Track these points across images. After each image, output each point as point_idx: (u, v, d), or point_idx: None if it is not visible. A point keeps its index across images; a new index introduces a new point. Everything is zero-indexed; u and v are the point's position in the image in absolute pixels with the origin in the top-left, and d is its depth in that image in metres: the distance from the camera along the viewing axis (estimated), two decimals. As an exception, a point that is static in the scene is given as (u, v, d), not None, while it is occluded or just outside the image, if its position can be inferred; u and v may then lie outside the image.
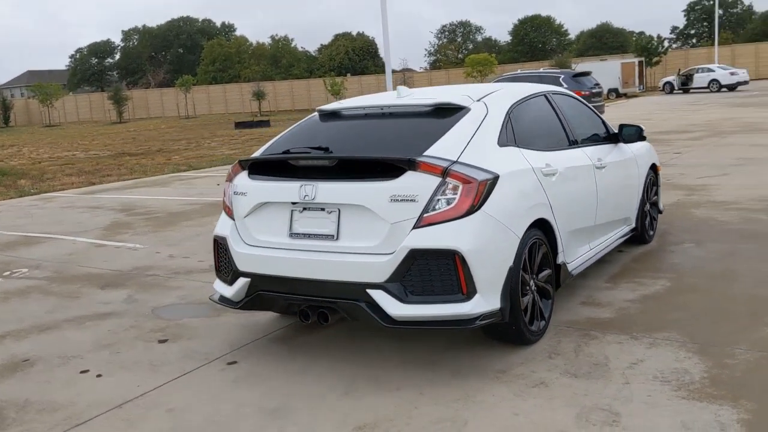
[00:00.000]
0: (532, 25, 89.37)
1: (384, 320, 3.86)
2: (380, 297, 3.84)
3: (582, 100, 6.09)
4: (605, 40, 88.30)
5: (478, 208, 3.86)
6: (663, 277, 5.61)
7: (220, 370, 4.35)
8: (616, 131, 6.09)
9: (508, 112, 4.60)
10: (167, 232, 8.98)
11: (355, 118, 4.79)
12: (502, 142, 4.38)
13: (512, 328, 4.10)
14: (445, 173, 3.85)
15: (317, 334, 4.84)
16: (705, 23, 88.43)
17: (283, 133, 4.95)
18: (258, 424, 3.60)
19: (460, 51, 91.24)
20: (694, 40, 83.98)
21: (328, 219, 4.08)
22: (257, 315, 5.30)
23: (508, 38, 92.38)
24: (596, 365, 3.98)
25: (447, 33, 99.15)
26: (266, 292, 4.26)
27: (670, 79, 43.89)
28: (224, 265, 4.56)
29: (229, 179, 4.66)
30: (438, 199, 3.84)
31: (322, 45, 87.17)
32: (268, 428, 3.54)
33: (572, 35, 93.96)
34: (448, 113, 4.42)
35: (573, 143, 5.25)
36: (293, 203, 4.20)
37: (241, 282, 4.34)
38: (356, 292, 3.92)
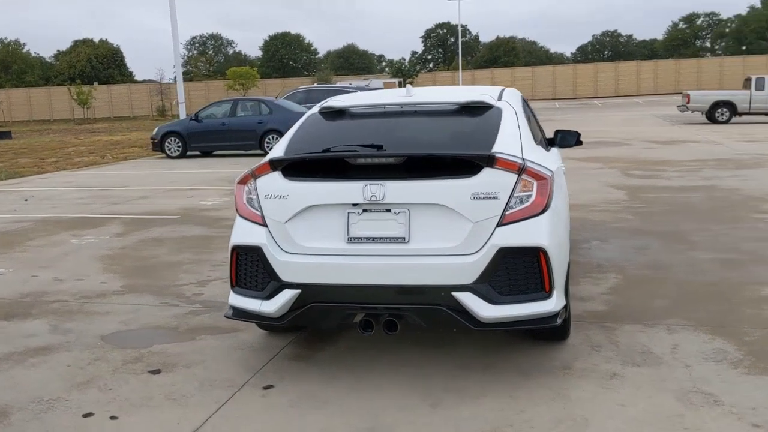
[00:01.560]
0: (282, 42, 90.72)
1: (472, 323, 3.73)
2: (468, 299, 3.71)
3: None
4: (352, 61, 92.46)
5: (549, 204, 3.90)
6: (608, 271, 6.07)
7: (262, 396, 3.89)
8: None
9: (524, 111, 4.70)
10: (20, 253, 7.73)
11: (377, 116, 4.56)
12: (533, 140, 4.47)
13: (563, 325, 4.18)
14: (521, 170, 3.83)
15: (331, 349, 4.52)
16: (440, 49, 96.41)
17: (290, 134, 4.54)
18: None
19: (212, 64, 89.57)
20: (431, 65, 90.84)
21: (395, 220, 3.85)
22: (242, 333, 4.82)
23: (259, 53, 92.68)
24: (643, 353, 4.21)
25: (197, 45, 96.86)
26: (322, 303, 3.89)
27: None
28: (255, 277, 4.07)
29: (244, 182, 4.19)
30: (516, 197, 3.81)
31: (59, 51, 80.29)
32: (391, 449, 3.26)
33: (321, 54, 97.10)
34: (479, 112, 4.40)
35: (543, 145, 5.49)
36: (354, 205, 3.88)
37: (288, 295, 3.91)
38: (438, 296, 3.74)
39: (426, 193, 3.81)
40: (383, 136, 4.25)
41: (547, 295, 3.81)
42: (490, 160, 3.81)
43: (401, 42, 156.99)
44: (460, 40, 58.68)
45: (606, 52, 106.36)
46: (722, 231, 7.46)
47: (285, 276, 3.92)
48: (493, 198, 3.77)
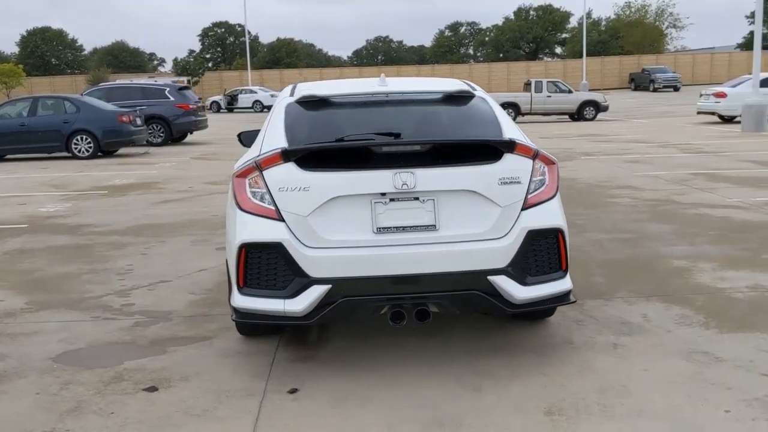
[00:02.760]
0: (42, 38, 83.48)
1: (507, 306, 3.83)
2: (504, 282, 3.79)
3: None
4: (122, 58, 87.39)
5: (558, 188, 4.11)
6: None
7: (293, 400, 3.69)
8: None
9: None
10: None
11: (368, 105, 4.45)
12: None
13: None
14: (535, 155, 4.00)
15: (328, 347, 4.38)
16: (219, 49, 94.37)
17: (277, 125, 4.29)
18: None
19: (-41, 60, 79.82)
20: (210, 64, 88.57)
21: (423, 209, 3.82)
22: (215, 341, 4.51)
23: (15, 49, 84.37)
24: (624, 324, 4.56)
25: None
26: (354, 297, 3.75)
27: (217, 98, 45.87)
28: (273, 276, 3.81)
29: (245, 176, 3.91)
30: (534, 181, 3.97)
31: None
32: (476, 434, 3.26)
33: (86, 51, 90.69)
34: (465, 101, 4.50)
35: None
36: (382, 194, 3.79)
37: (317, 291, 3.72)
38: (473, 281, 3.78)
39: (455, 179, 3.84)
40: (387, 124, 4.20)
41: (564, 273, 4.02)
42: (511, 146, 3.93)
43: (175, 40, 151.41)
44: (247, 39, 57.88)
45: (379, 57, 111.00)
46: (594, 214, 8.23)
47: (313, 272, 3.74)
48: (517, 182, 3.90)
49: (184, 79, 46.23)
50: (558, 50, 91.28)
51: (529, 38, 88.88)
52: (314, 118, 4.35)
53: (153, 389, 3.85)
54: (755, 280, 5.41)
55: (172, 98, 20.77)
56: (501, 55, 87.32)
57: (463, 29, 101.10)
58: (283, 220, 3.81)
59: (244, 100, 44.75)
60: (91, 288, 5.83)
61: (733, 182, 10.41)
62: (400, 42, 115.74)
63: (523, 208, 3.90)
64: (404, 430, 3.32)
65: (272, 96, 44.64)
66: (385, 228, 3.79)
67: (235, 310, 3.94)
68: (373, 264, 3.74)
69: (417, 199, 3.82)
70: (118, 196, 11.00)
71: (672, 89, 51.50)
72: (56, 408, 3.64)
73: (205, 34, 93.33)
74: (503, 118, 4.35)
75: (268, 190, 3.86)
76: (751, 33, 75.21)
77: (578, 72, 54.14)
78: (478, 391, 3.71)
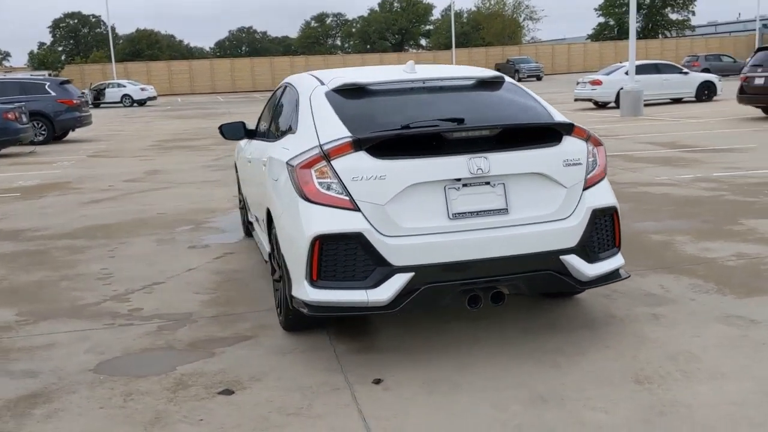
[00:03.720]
0: None
1: (577, 284, 3.96)
2: (575, 261, 3.92)
3: None
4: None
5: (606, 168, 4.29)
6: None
7: (384, 389, 3.63)
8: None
9: None
10: None
11: (411, 92, 4.41)
12: None
13: None
14: (588, 137, 4.14)
15: (378, 335, 4.34)
16: (71, 41, 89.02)
17: (326, 114, 4.16)
18: (547, 411, 3.35)
19: None
20: (63, 57, 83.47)
21: (494, 193, 3.87)
22: (261, 338, 4.36)
23: None
24: (649, 295, 4.82)
25: None
26: (436, 283, 3.75)
27: (83, 92, 43.26)
28: (353, 266, 3.73)
29: (309, 166, 3.80)
30: (589, 162, 4.11)
31: None
32: (569, 408, 3.36)
33: None
34: (498, 86, 4.58)
35: None
36: (456, 180, 3.80)
37: (401, 280, 3.69)
38: (547, 261, 3.88)
39: (524, 162, 3.91)
40: (440, 110, 4.20)
41: (618, 250, 4.21)
42: (570, 128, 4.05)
43: (22, 32, 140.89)
44: (110, 30, 54.96)
45: (243, 48, 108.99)
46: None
47: (395, 260, 3.70)
48: (578, 164, 4.03)
49: (45, 73, 43.30)
50: (423, 42, 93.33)
51: (395, 30, 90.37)
52: (365, 105, 4.27)
53: (228, 392, 3.67)
54: (736, 249, 5.86)
55: (53, 93, 19.49)
56: (368, 46, 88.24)
57: (329, 20, 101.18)
58: (359, 210, 3.74)
59: (111, 94, 42.62)
60: (79, 295, 5.43)
61: (649, 162, 11.15)
62: (264, 33, 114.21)
63: (585, 188, 4.04)
64: (514, 409, 3.37)
65: (143, 90, 42.83)
66: (460, 213, 3.81)
67: (307, 305, 3.83)
68: (452, 249, 3.75)
69: (488, 183, 3.86)
70: (36, 198, 10.23)
71: (535, 78, 54.04)
72: (135, 420, 3.40)
73: (56, 26, 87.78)
74: (542, 101, 4.47)
75: (340, 180, 3.77)
76: (600, 24, 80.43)
77: (448, 63, 55.65)
78: (557, 367, 3.81)
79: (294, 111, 4.64)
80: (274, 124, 5.33)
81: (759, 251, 5.77)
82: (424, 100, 4.37)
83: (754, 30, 63.86)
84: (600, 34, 78.74)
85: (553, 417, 3.28)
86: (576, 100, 25.80)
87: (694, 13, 76.85)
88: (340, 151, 3.80)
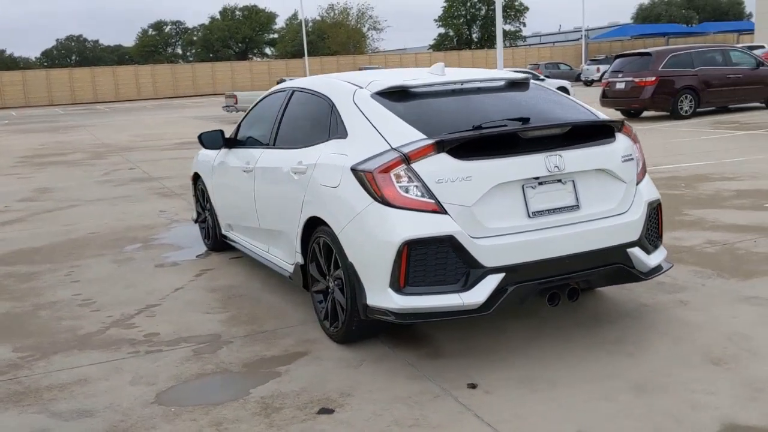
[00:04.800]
0: None
1: (642, 275, 4.12)
2: (639, 254, 4.09)
3: None
4: None
5: None
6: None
7: (487, 393, 3.61)
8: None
9: None
10: None
11: (455, 94, 4.38)
12: None
13: None
14: (632, 134, 4.34)
15: (438, 338, 4.29)
16: None
17: (386, 116, 4.05)
18: (655, 398, 3.50)
19: None
20: None
21: (565, 189, 3.95)
22: (318, 352, 4.18)
23: None
24: (662, 283, 5.11)
25: None
26: (524, 282, 3.77)
27: None
28: (443, 270, 3.67)
29: (388, 170, 3.71)
30: (637, 157, 4.31)
31: None
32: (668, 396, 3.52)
33: None
34: (525, 87, 4.68)
35: None
36: (534, 178, 3.84)
37: (493, 281, 3.68)
38: (617, 255, 4.02)
39: (591, 159, 4.03)
40: (498, 110, 4.23)
41: (661, 242, 4.43)
42: (621, 126, 4.23)
43: None
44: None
45: (74, 57, 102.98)
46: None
47: (487, 261, 3.68)
48: (632, 159, 4.21)
49: None
50: (268, 51, 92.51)
51: (238, 38, 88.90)
52: (420, 107, 4.21)
53: (328, 411, 3.49)
54: (704, 237, 6.34)
55: None
56: (211, 54, 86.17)
57: (168, 28, 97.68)
58: (446, 212, 3.69)
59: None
60: (73, 324, 4.92)
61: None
62: (96, 41, 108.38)
63: (638, 183, 4.23)
64: (624, 399, 3.46)
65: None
66: (538, 212, 3.87)
67: (393, 312, 3.72)
68: (537, 248, 3.80)
69: (560, 181, 3.94)
70: (-75, 223, 9.09)
71: (387, 86, 55.13)
72: (249, 450, 3.15)
73: None
74: (574, 99, 4.63)
75: (423, 183, 3.71)
76: (440, 35, 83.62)
77: (300, 71, 55.57)
78: (631, 356, 3.95)
79: (329, 116, 4.48)
80: (284, 132, 5.10)
81: (725, 238, 6.28)
82: (474, 101, 4.37)
83: (575, 40, 69.22)
84: (441, 45, 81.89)
85: (665, 403, 3.40)
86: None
87: (525, 25, 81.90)
88: (422, 153, 3.73)
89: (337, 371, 3.94)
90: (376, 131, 4.01)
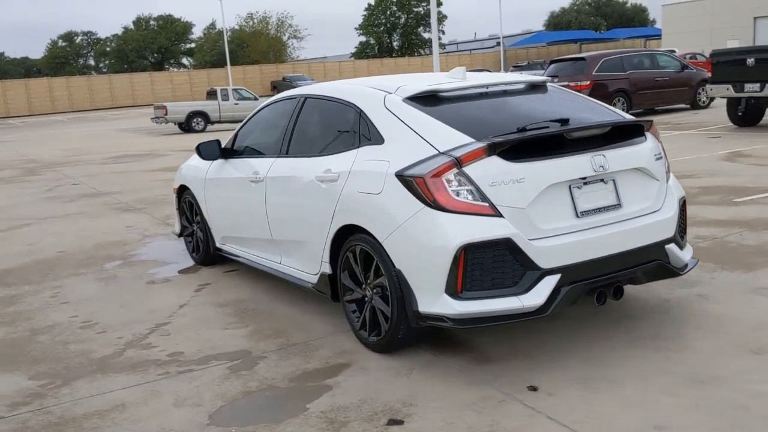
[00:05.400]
0: None
1: (678, 271, 4.21)
2: (675, 249, 4.18)
3: None
4: None
5: None
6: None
7: (550, 395, 3.59)
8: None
9: None
10: None
11: (486, 97, 4.38)
12: None
13: None
14: (657, 133, 4.44)
15: (470, 344, 4.27)
16: None
17: (428, 121, 4.00)
18: (715, 390, 3.58)
19: None
20: None
21: (607, 189, 4.00)
22: (362, 363, 4.09)
23: None
24: (685, 277, 5.23)
25: None
26: (578, 282, 3.78)
27: None
28: (501, 273, 3.64)
29: (439, 175, 3.67)
30: (663, 155, 4.41)
31: None
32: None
33: None
34: (544, 89, 4.73)
35: None
36: (582, 178, 3.88)
37: (551, 282, 3.68)
38: (657, 252, 4.09)
39: (629, 158, 4.10)
40: (531, 112, 4.26)
41: (685, 238, 4.54)
42: (649, 125, 4.32)
43: None
44: None
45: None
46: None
47: (543, 263, 3.69)
48: (661, 157, 4.31)
49: None
50: (185, 61, 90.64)
51: (154, 48, 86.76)
52: (456, 111, 4.17)
53: (398, 422, 3.41)
54: (692, 233, 6.52)
55: None
56: (126, 65, 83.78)
57: (79, 39, 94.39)
58: (501, 215, 3.67)
59: None
60: (83, 348, 4.65)
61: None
62: (1, 54, 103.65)
63: (666, 180, 4.32)
64: (687, 393, 3.51)
65: None
66: (585, 211, 3.90)
67: (450, 318, 3.67)
68: (588, 247, 3.83)
69: (602, 180, 3.99)
70: None
71: (312, 95, 54.85)
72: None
73: None
74: (595, 101, 4.70)
75: (476, 187, 3.68)
76: (361, 43, 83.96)
77: (223, 80, 54.72)
78: (674, 351, 4.01)
79: (357, 122, 4.39)
80: (299, 139, 4.97)
81: (711, 233, 6.50)
82: (505, 103, 4.37)
83: (491, 47, 71.05)
84: (362, 53, 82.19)
85: (726, 395, 3.48)
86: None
87: (444, 33, 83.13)
88: (474, 156, 3.70)
89: (389, 381, 3.85)
90: (419, 136, 3.96)
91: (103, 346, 4.66)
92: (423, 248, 3.73)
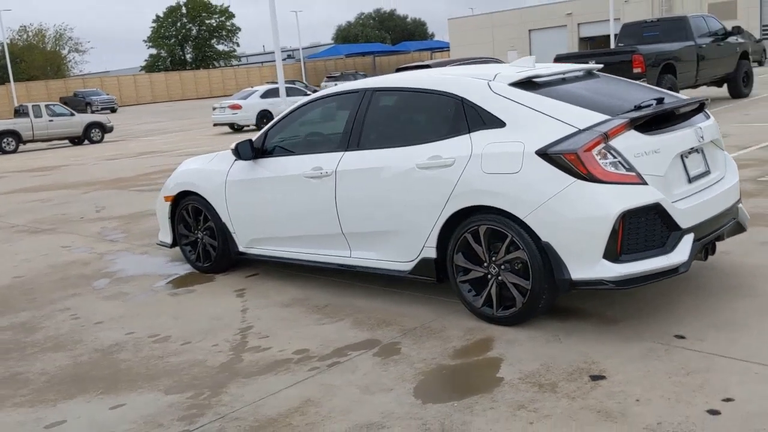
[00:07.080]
0: None
1: (745, 226, 4.86)
2: (743, 208, 4.85)
3: None
4: None
5: None
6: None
7: (699, 339, 4.04)
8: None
9: None
10: None
11: (570, 81, 4.77)
12: None
13: None
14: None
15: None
16: None
17: (548, 103, 4.27)
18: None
19: None
20: None
21: (700, 158, 4.57)
22: (400, 346, 4.27)
23: None
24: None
25: None
26: (701, 239, 4.28)
27: None
28: (652, 235, 4.04)
29: (591, 149, 3.99)
30: None
31: None
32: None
33: None
34: (598, 75, 5.21)
35: None
36: (692, 148, 4.40)
37: (688, 239, 4.15)
38: (734, 212, 4.72)
39: (711, 131, 4.72)
40: (616, 92, 4.73)
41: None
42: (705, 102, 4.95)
43: None
44: None
45: None
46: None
47: (684, 223, 4.15)
48: (718, 131, 4.95)
49: None
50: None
51: None
52: (560, 93, 4.48)
53: (600, 377, 3.66)
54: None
55: None
56: None
57: None
58: (647, 183, 4.07)
59: None
60: (184, 359, 4.35)
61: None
62: None
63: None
64: (756, 369, 3.62)
65: None
66: (693, 177, 4.43)
67: (612, 281, 3.98)
68: (706, 208, 4.38)
69: (698, 150, 4.54)
70: None
71: (110, 111, 51.96)
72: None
73: None
74: (644, 84, 5.28)
75: (624, 158, 4.04)
76: (152, 56, 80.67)
77: (6, 98, 50.03)
78: (758, 297, 4.64)
79: (459, 109, 4.54)
80: (375, 132, 4.98)
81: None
82: (589, 86, 4.76)
83: (284, 60, 71.86)
84: (153, 66, 78.98)
85: (833, 321, 4.12)
86: (215, 125, 26.17)
87: (239, 45, 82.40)
88: (618, 130, 4.06)
89: (548, 346, 4.06)
90: (548, 116, 4.23)
91: (207, 355, 4.38)
92: (577, 219, 4.01)
